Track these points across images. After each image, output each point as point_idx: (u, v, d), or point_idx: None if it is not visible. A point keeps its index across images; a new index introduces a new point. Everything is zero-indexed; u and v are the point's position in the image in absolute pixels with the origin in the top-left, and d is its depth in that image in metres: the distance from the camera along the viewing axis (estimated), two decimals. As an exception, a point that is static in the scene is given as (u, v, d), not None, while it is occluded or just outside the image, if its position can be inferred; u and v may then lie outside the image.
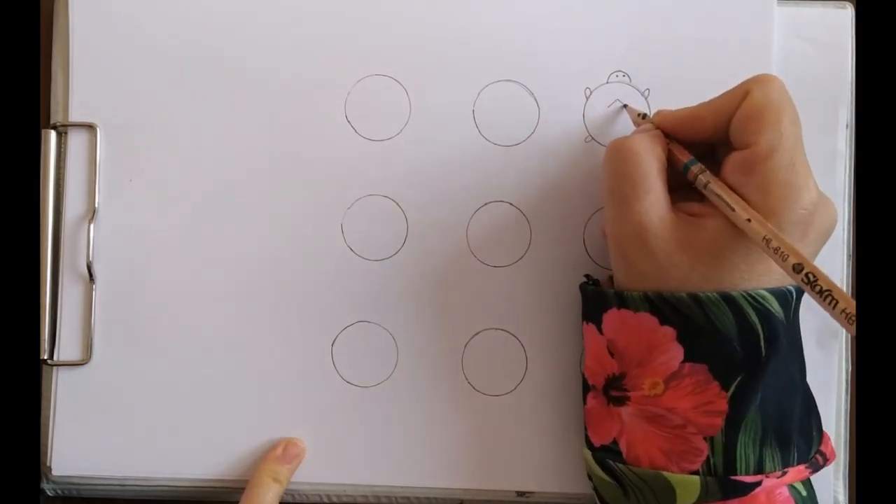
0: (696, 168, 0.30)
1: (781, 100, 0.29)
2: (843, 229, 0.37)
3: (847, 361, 0.37)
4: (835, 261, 0.37)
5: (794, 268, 0.26)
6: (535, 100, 0.37)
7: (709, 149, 0.32)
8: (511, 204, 0.37)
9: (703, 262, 0.29)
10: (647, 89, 0.37)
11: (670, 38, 0.37)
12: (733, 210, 0.28)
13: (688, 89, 0.36)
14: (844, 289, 0.37)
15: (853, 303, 0.24)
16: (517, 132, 0.37)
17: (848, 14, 0.37)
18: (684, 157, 0.31)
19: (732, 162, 0.29)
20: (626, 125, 0.36)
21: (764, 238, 0.27)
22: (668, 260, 0.29)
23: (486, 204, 0.37)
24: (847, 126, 0.37)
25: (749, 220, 0.27)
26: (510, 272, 0.37)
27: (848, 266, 0.37)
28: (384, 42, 0.37)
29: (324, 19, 0.37)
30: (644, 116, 0.35)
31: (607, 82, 0.37)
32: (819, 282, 0.25)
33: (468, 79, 0.37)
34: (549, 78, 0.37)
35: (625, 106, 0.36)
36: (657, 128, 0.32)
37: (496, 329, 0.37)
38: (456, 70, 0.37)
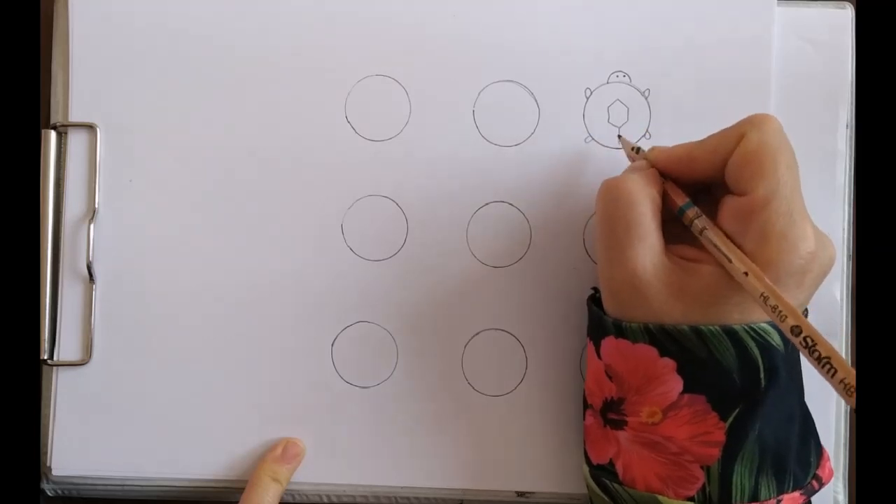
0: (691, 212, 0.30)
1: (778, 144, 0.28)
2: (843, 229, 0.37)
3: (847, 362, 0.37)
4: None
5: (791, 330, 0.25)
6: (535, 100, 0.37)
7: (706, 185, 0.31)
8: (511, 204, 0.37)
9: (696, 311, 0.28)
10: (648, 89, 0.37)
11: (670, 38, 0.37)
12: (730, 261, 0.27)
13: (688, 89, 0.36)
14: (844, 289, 0.37)
15: (853, 372, 0.23)
16: (517, 132, 0.37)
17: (848, 14, 0.37)
18: (679, 199, 0.30)
19: (728, 208, 0.29)
20: (625, 127, 0.36)
21: (762, 295, 0.26)
22: (661, 308, 0.29)
23: (486, 204, 0.37)
24: (847, 126, 0.37)
25: (746, 273, 0.27)
26: (510, 272, 0.37)
27: (848, 266, 0.37)
28: (384, 42, 0.37)
29: (324, 19, 0.37)
30: (638, 150, 0.34)
31: (607, 82, 0.37)
32: (818, 347, 0.24)
33: (468, 79, 0.37)
34: (549, 78, 0.37)
35: (619, 136, 0.36)
36: (652, 165, 0.31)
37: (496, 329, 0.37)
38: (456, 70, 0.37)
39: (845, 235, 0.37)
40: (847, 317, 0.37)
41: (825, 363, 0.24)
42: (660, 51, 0.37)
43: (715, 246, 0.28)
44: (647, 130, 0.36)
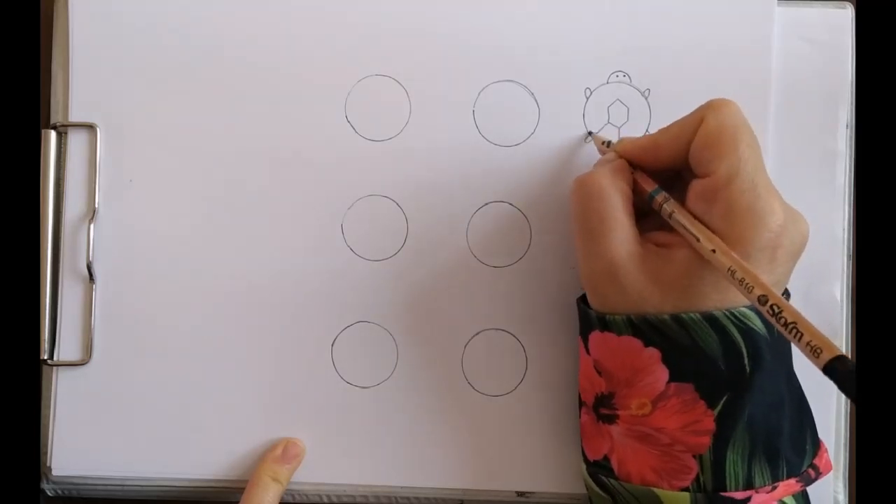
0: (660, 197, 0.30)
1: (736, 125, 0.28)
2: (844, 229, 0.37)
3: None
4: (835, 261, 0.37)
5: (759, 299, 0.25)
6: (535, 100, 0.37)
7: (676, 172, 0.32)
8: (511, 204, 0.37)
9: (673, 295, 0.29)
10: (648, 89, 0.37)
11: (671, 39, 0.37)
12: (698, 240, 0.28)
13: (688, 89, 0.36)
14: (844, 289, 0.37)
15: (819, 334, 0.24)
16: (517, 132, 0.37)
17: (848, 14, 0.37)
18: (649, 186, 0.31)
19: (694, 190, 0.29)
20: (625, 127, 0.36)
21: (729, 269, 0.26)
22: (640, 294, 0.29)
23: (486, 204, 0.37)
24: (847, 126, 0.37)
25: (714, 250, 0.27)
26: (510, 272, 0.37)
27: (848, 266, 0.37)
28: (384, 42, 0.37)
29: (324, 19, 0.37)
30: (608, 144, 0.34)
31: (607, 82, 0.37)
32: (784, 313, 0.25)
33: (468, 79, 0.37)
34: (549, 78, 0.37)
35: (590, 133, 0.36)
36: (621, 156, 0.32)
37: (496, 329, 0.37)
38: (456, 70, 0.37)
39: (845, 235, 0.37)
40: (847, 317, 0.37)
41: (791, 328, 0.24)
42: (660, 51, 0.37)
43: (683, 227, 0.29)
44: (647, 130, 0.36)
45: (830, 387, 0.36)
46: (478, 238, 0.37)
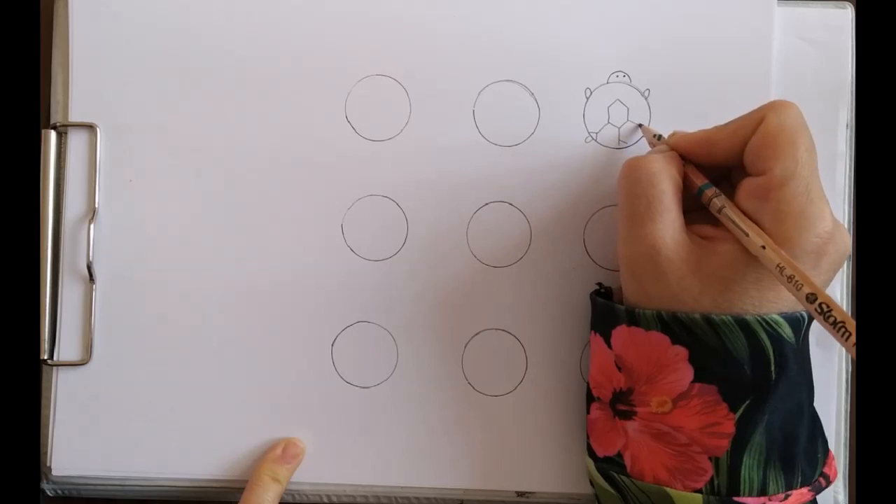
0: (710, 192, 0.30)
1: (797, 127, 0.29)
2: (844, 229, 0.37)
3: (847, 360, 0.37)
4: (835, 261, 0.37)
5: (807, 297, 0.25)
6: (535, 100, 0.37)
7: (724, 170, 0.32)
8: (511, 204, 0.37)
9: (713, 287, 0.28)
10: (648, 89, 0.37)
11: (670, 38, 0.37)
12: (747, 236, 0.28)
13: (688, 89, 0.36)
14: (844, 288, 0.37)
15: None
16: (517, 132, 0.37)
17: (848, 14, 0.37)
18: (699, 179, 0.31)
19: (747, 188, 0.29)
20: (625, 128, 0.36)
21: (778, 266, 0.26)
22: (679, 284, 0.29)
23: (486, 204, 0.37)
24: (847, 126, 0.37)
25: (763, 246, 0.27)
26: (510, 272, 0.37)
27: (848, 266, 0.37)
28: (384, 42, 0.37)
29: (324, 19, 0.37)
30: (659, 137, 0.34)
31: (607, 82, 0.37)
32: (833, 313, 0.25)
33: (468, 79, 0.37)
34: (549, 78, 0.37)
35: (640, 125, 0.36)
36: (672, 149, 0.32)
37: (496, 329, 0.37)
38: (456, 70, 0.37)
39: (845, 235, 0.37)
40: (847, 317, 0.37)
41: (840, 327, 0.24)
42: (660, 51, 0.37)
43: (733, 222, 0.29)
44: (647, 130, 0.37)
45: (831, 385, 0.36)
46: (478, 238, 0.37)
